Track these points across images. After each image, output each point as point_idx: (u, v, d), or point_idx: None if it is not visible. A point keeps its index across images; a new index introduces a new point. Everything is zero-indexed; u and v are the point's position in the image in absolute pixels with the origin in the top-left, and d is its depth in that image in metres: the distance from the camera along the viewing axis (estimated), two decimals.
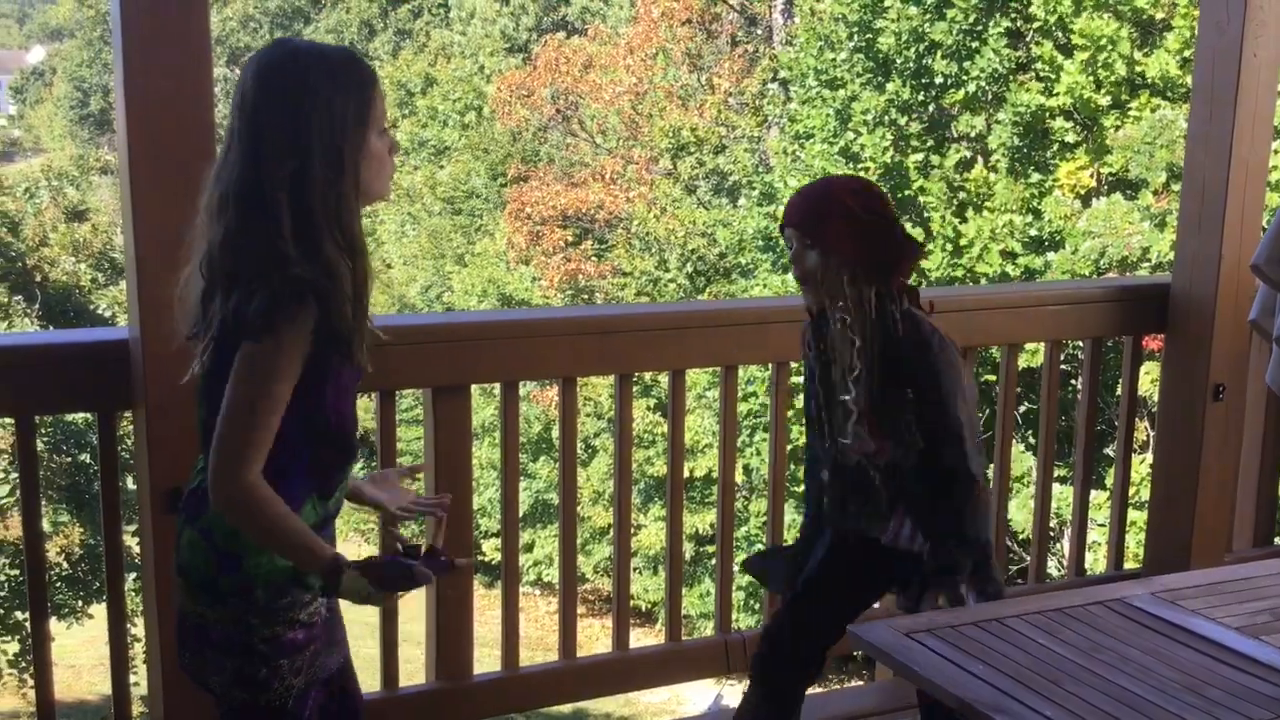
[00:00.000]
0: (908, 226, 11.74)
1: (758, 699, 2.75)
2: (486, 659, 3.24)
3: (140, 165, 2.50)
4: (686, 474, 10.19)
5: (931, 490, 2.47)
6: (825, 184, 2.60)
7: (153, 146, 2.50)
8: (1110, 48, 11.79)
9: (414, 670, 3.23)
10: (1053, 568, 9.38)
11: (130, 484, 6.19)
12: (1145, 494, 8.08)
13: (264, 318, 1.83)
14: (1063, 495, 8.45)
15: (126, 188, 2.52)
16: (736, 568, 3.17)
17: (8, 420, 7.99)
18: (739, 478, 12.68)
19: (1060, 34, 12.43)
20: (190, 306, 1.99)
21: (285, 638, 1.98)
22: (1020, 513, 10.35)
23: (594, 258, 17.83)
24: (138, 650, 4.22)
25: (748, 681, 2.83)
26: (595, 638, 13.82)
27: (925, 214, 12.75)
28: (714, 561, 14.92)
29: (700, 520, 13.66)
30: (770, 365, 3.50)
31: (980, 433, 2.60)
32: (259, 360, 1.86)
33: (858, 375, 2.44)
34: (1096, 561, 9.25)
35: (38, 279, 13.41)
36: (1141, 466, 8.85)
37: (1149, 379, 8.60)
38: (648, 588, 14.03)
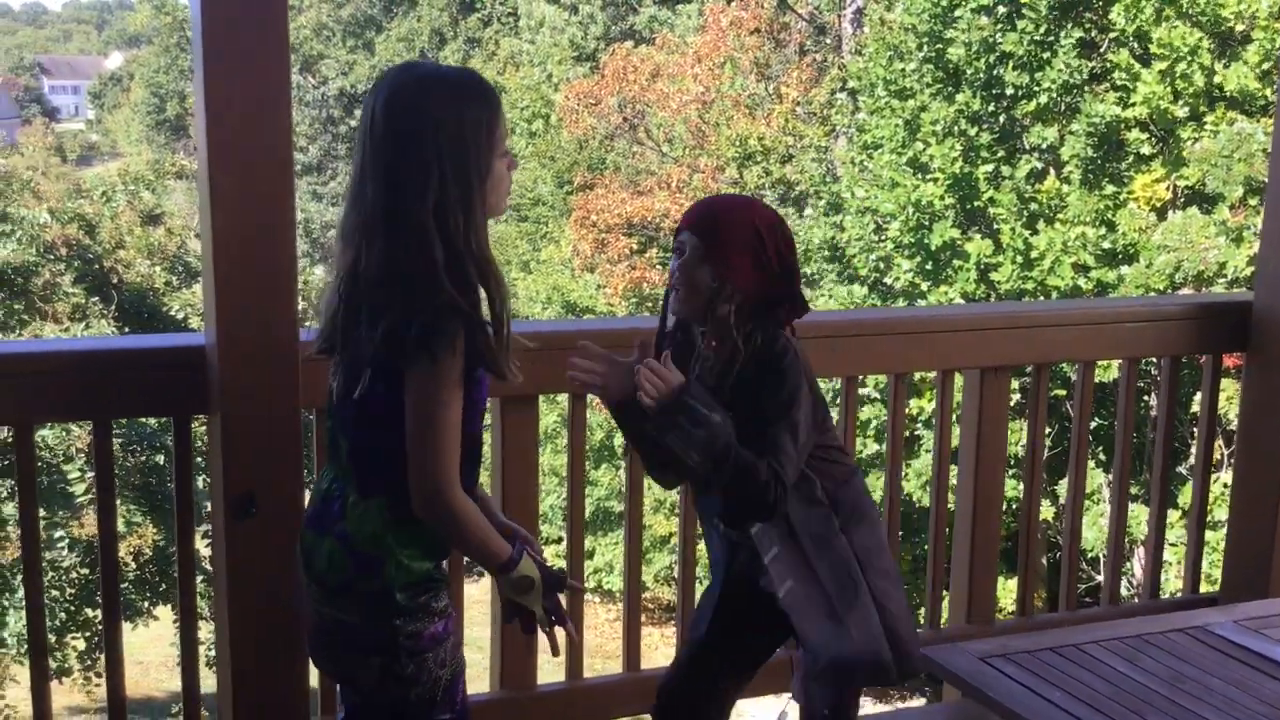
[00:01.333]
0: (976, 238, 11.53)
1: None
2: (547, 665, 3.22)
3: (219, 173, 2.52)
4: None
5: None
6: (746, 205, 2.44)
7: (231, 154, 2.52)
8: (1190, 58, 11.59)
9: (474, 675, 3.23)
10: (1120, 587, 9.21)
11: (201, 486, 6.26)
12: (1218, 514, 7.92)
13: (425, 345, 1.90)
14: (1132, 514, 8.30)
15: (205, 196, 2.55)
16: None
17: (86, 422, 8.07)
18: None
19: (1137, 44, 12.24)
20: (324, 324, 2.07)
21: (426, 632, 2.08)
22: (1090, 530, 10.18)
23: (658, 266, 17.82)
24: (200, 652, 4.26)
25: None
26: (655, 646, 13.79)
27: (995, 225, 12.61)
28: None
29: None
30: (839, 379, 3.46)
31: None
32: (429, 384, 1.94)
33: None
34: (1167, 581, 9.08)
35: (114, 281, 13.64)
36: (1214, 486, 8.67)
37: (1223, 396, 8.42)
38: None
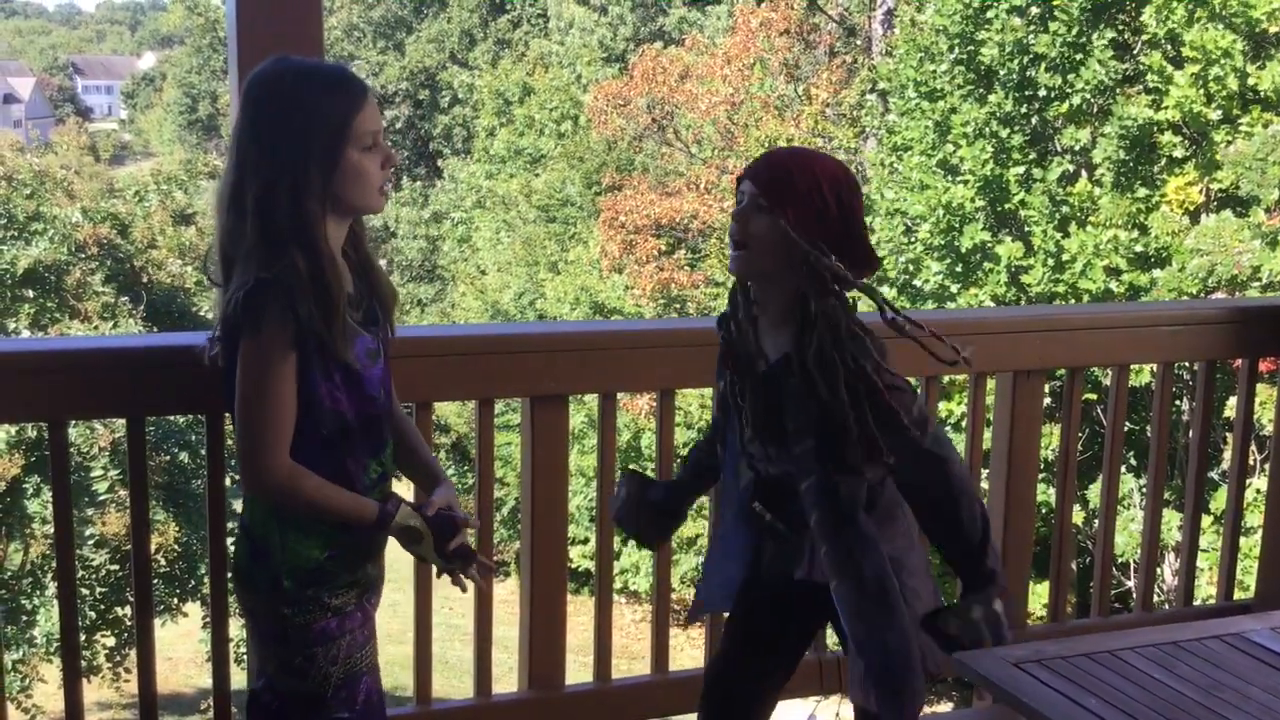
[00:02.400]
0: (1007, 240, 11.45)
1: None
2: (572, 664, 3.22)
3: None
4: None
5: (928, 508, 2.19)
6: (808, 154, 2.25)
7: None
8: (1223, 60, 11.48)
9: (499, 674, 3.23)
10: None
11: (229, 484, 6.28)
12: (1249, 520, 7.84)
13: (247, 314, 1.96)
14: (1162, 519, 8.23)
15: None
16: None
17: (110, 419, 8.11)
18: None
19: (1169, 46, 12.14)
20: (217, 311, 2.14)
21: (316, 625, 2.09)
22: (1119, 535, 10.11)
23: (687, 267, 17.81)
24: (228, 649, 4.28)
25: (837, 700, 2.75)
26: (680, 648, 13.79)
27: (1026, 228, 12.53)
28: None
29: None
30: None
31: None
32: (251, 355, 1.99)
33: (786, 368, 2.15)
34: (1198, 588, 8.99)
35: (144, 280, 13.75)
36: (1246, 491, 8.58)
37: (1255, 401, 8.32)
38: None
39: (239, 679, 3.38)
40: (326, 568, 2.09)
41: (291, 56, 2.12)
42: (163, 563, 11.37)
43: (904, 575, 2.20)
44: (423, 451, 2.34)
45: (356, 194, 2.06)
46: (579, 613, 10.10)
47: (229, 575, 2.24)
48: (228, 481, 2.91)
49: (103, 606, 11.07)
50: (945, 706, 12.47)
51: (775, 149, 2.36)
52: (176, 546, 11.44)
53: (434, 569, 2.24)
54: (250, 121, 2.02)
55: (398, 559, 2.38)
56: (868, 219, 13.80)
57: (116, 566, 10.91)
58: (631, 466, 2.76)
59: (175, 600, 11.68)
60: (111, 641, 11.36)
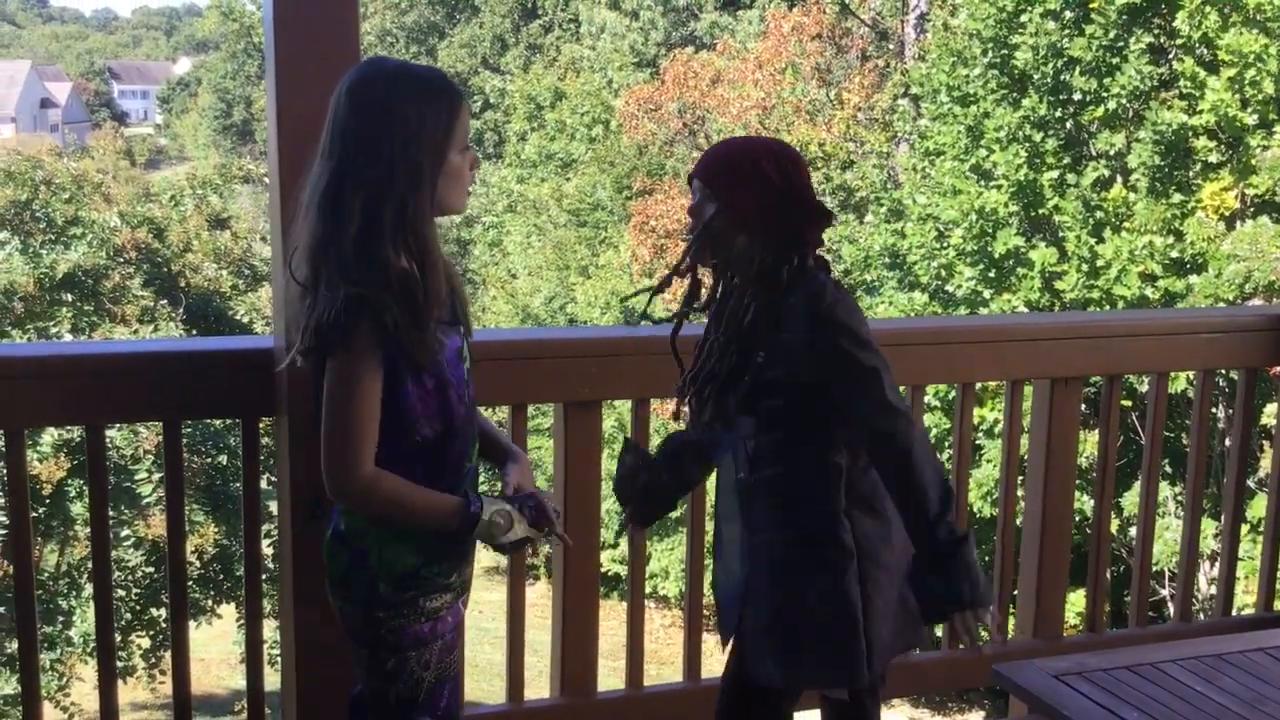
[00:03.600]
0: (1041, 246, 11.32)
1: None
2: (602, 669, 3.21)
3: (290, 179, 2.53)
4: None
5: (887, 480, 2.24)
6: (746, 140, 2.49)
7: (303, 160, 2.52)
8: (1259, 65, 11.35)
9: (531, 677, 3.23)
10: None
11: (267, 486, 6.33)
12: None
13: (338, 331, 1.96)
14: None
15: (276, 199, 2.56)
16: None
17: (153, 422, 8.16)
18: None
19: (1204, 50, 12.02)
20: (293, 311, 2.12)
21: (409, 629, 2.10)
22: (1155, 544, 10.01)
23: None
24: (263, 650, 4.30)
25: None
26: (710, 653, 13.73)
27: (1060, 233, 12.44)
28: None
29: None
30: (905, 388, 3.41)
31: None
32: (340, 371, 1.99)
33: (724, 343, 2.31)
34: (1235, 597, 8.89)
35: (181, 284, 13.85)
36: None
37: None
38: None
39: (272, 680, 3.40)
40: (422, 573, 2.11)
41: (387, 59, 2.14)
42: (199, 564, 11.46)
43: (866, 563, 2.26)
44: (490, 428, 2.35)
45: (453, 196, 2.09)
46: (608, 617, 10.06)
47: (326, 583, 2.19)
48: (264, 484, 2.92)
49: (138, 608, 11.16)
50: (976, 715, 12.39)
51: (717, 144, 2.47)
52: (213, 548, 11.52)
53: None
54: (353, 126, 2.02)
55: None
56: (900, 224, 13.84)
57: (153, 569, 11.00)
58: (635, 440, 2.76)
59: (210, 602, 11.76)
60: (147, 643, 11.45)
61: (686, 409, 2.49)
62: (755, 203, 2.28)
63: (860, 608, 2.25)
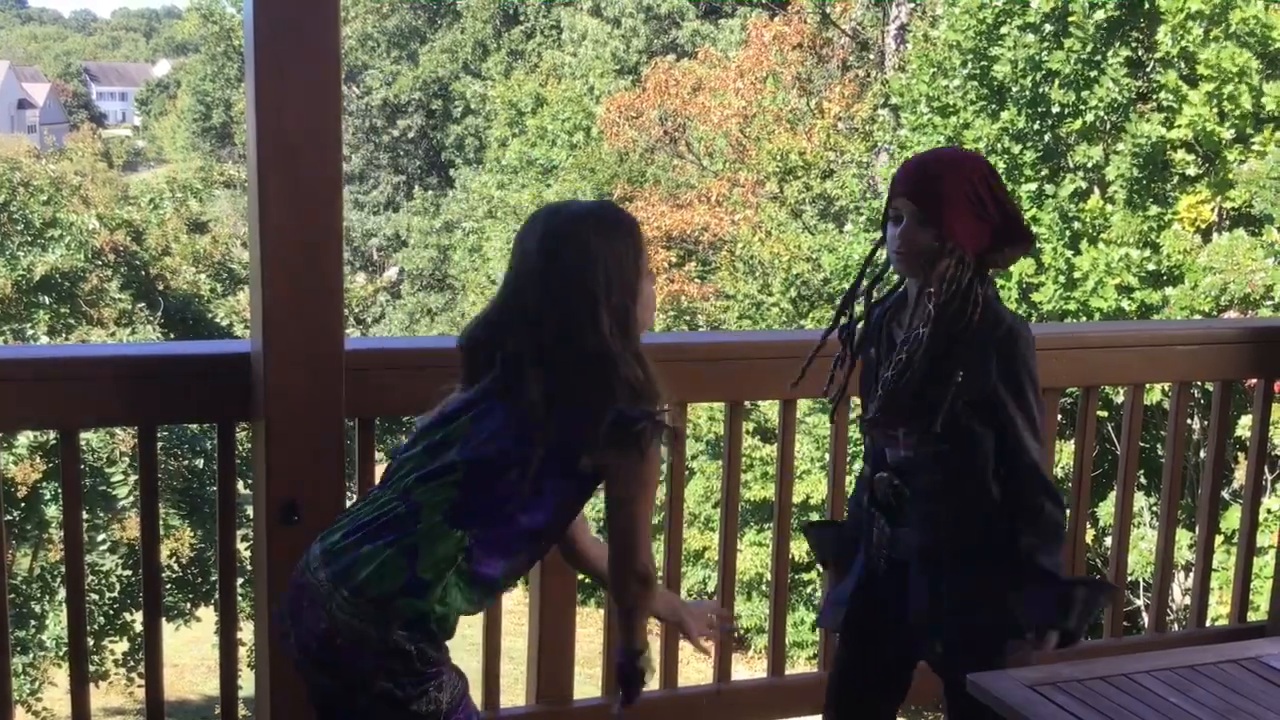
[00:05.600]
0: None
1: None
2: (578, 677, 3.20)
3: (269, 184, 2.53)
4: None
5: (1010, 513, 2.34)
6: (955, 159, 2.45)
7: (282, 165, 2.53)
8: (1238, 79, 11.45)
9: (507, 685, 3.23)
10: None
11: (243, 489, 6.30)
12: (1261, 540, 7.80)
13: (639, 436, 2.09)
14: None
15: (255, 203, 2.56)
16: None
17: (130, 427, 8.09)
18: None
19: (1184, 64, 12.12)
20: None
21: (430, 670, 2.11)
22: (1129, 555, 10.07)
23: (697, 279, 17.81)
24: (240, 654, 4.28)
25: None
26: (687, 661, 13.73)
27: (1038, 245, 12.51)
28: (809, 589, 14.62)
29: (795, 547, 13.53)
30: None
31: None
32: (641, 472, 2.15)
33: (914, 358, 2.35)
34: (1210, 608, 8.94)
35: (160, 287, 13.79)
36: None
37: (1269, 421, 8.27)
38: (741, 613, 13.91)
39: (247, 685, 3.38)
40: (454, 629, 2.15)
41: (568, 203, 2.33)
42: (175, 568, 11.39)
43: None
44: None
45: (649, 319, 2.24)
46: (585, 624, 10.05)
47: (346, 595, 2.13)
48: (241, 487, 2.91)
49: (112, 612, 11.09)
50: None
51: (920, 158, 2.49)
52: (189, 552, 11.46)
53: None
54: (557, 271, 2.12)
55: None
56: (877, 234, 13.89)
57: (129, 572, 10.93)
58: (805, 523, 2.94)
59: (188, 605, 11.69)
60: (124, 647, 11.37)
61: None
62: (969, 228, 2.32)
63: None
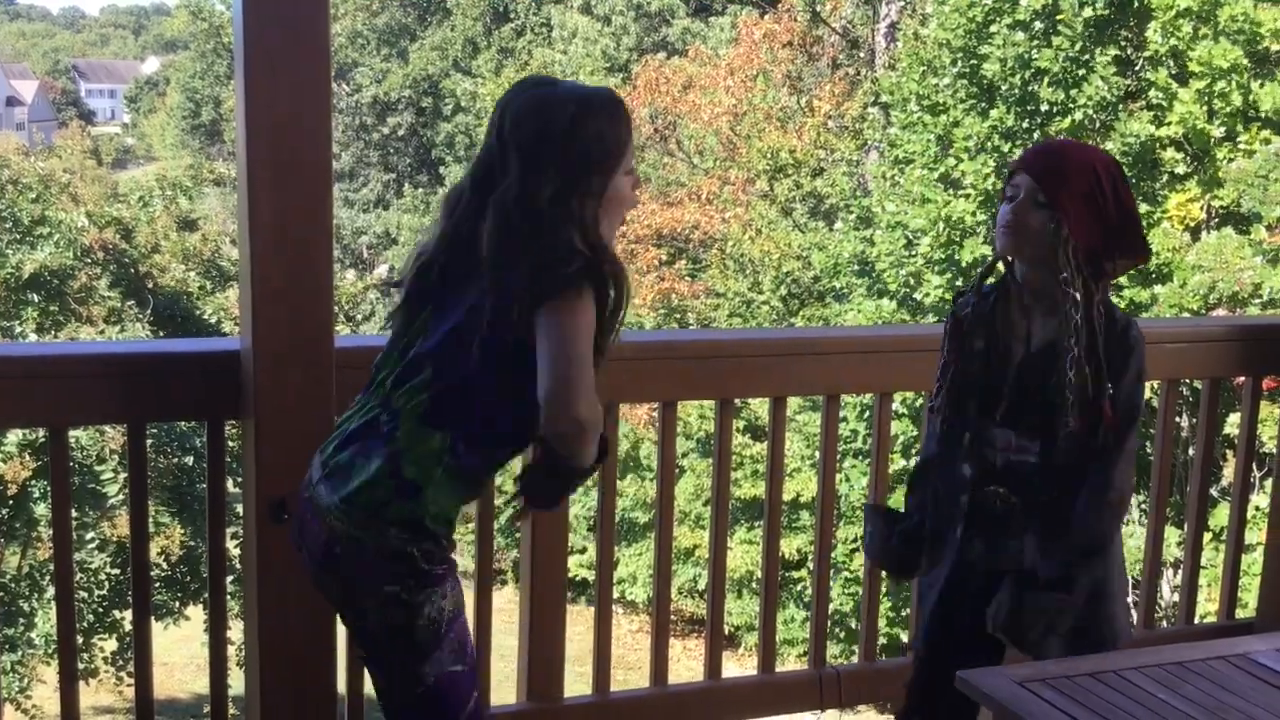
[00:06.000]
0: None
1: None
2: (569, 675, 3.21)
3: (259, 181, 2.52)
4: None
5: (1085, 502, 2.33)
6: (1085, 151, 2.42)
7: (271, 163, 2.53)
8: (1229, 77, 11.48)
9: (497, 682, 3.23)
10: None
11: (233, 488, 6.29)
12: (1249, 537, 7.83)
13: (565, 279, 2.01)
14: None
15: (244, 201, 2.55)
16: (843, 580, 3.14)
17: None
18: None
19: (1173, 62, 12.14)
20: (414, 272, 2.20)
21: (438, 570, 2.15)
22: None
23: (687, 277, 17.82)
24: (230, 652, 4.28)
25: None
26: (677, 658, 13.75)
27: None
28: (798, 587, 14.62)
29: (786, 544, 13.55)
30: (874, 396, 3.43)
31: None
32: (566, 310, 2.02)
33: (1075, 357, 2.28)
34: (1198, 605, 8.96)
35: (149, 285, 13.75)
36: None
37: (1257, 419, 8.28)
38: (732, 611, 13.93)
39: (237, 683, 3.37)
40: (453, 520, 2.18)
41: (555, 79, 2.23)
42: (165, 566, 11.36)
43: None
44: None
45: (620, 212, 2.19)
46: (575, 622, 10.03)
47: (342, 516, 2.18)
48: (231, 485, 2.91)
49: (102, 610, 11.06)
50: None
51: (1050, 143, 2.54)
52: (179, 550, 11.43)
53: None
54: (530, 140, 2.08)
55: None
56: (869, 232, 13.92)
57: (117, 570, 10.90)
58: (872, 503, 2.81)
59: (177, 604, 11.66)
60: (112, 645, 11.34)
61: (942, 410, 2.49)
62: (1083, 219, 2.27)
63: None
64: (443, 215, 2.20)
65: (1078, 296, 2.26)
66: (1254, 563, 7.72)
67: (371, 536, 2.12)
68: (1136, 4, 12.26)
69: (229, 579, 4.86)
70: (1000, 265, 2.47)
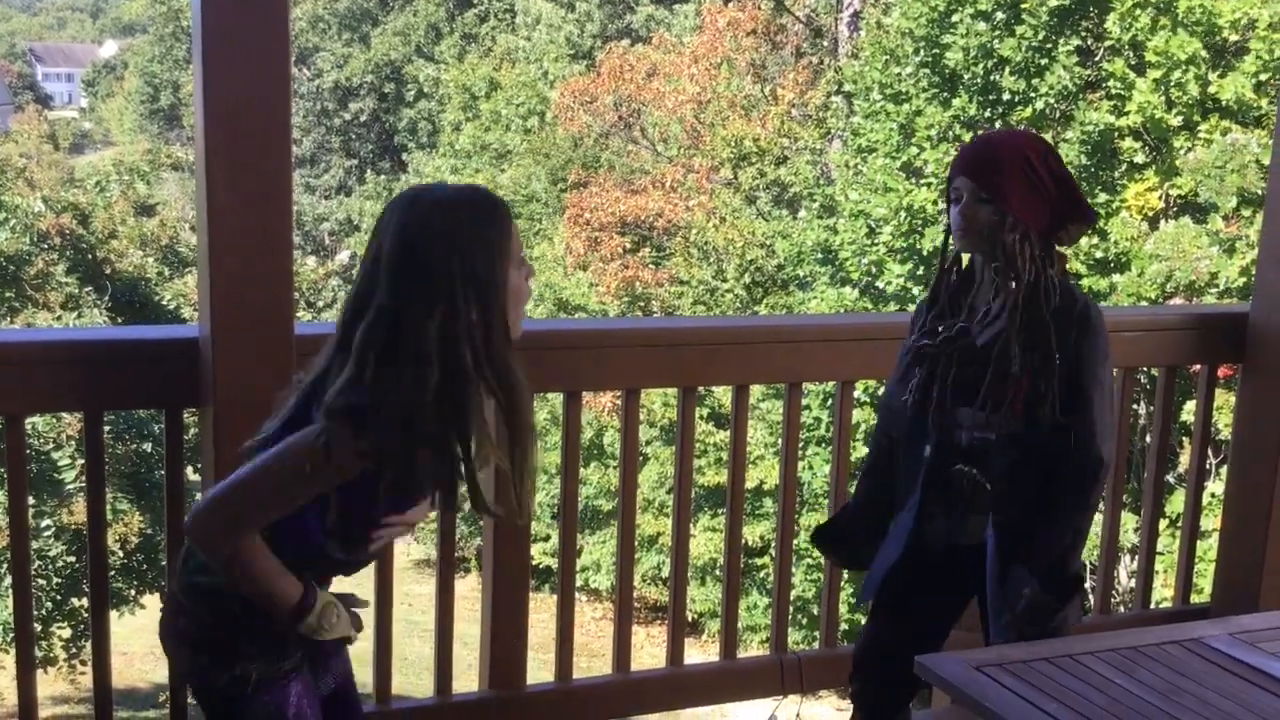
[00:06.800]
0: None
1: None
2: (533, 662, 3.21)
3: (217, 166, 2.50)
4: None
5: (1059, 484, 2.39)
6: (1011, 137, 2.51)
7: (230, 147, 2.50)
8: (1186, 68, 11.60)
9: (460, 670, 3.22)
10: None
11: (192, 475, 6.23)
12: (1204, 524, 7.93)
13: (346, 428, 1.86)
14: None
15: (203, 188, 2.53)
16: (800, 569, 3.17)
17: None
18: None
19: (1132, 53, 12.25)
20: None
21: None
22: None
23: (652, 265, 17.80)
24: None
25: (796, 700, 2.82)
26: (640, 645, 13.75)
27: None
28: (761, 574, 14.66)
29: (749, 531, 13.59)
30: (835, 383, 3.45)
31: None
32: (305, 447, 1.89)
33: (1009, 339, 2.37)
34: (1153, 590, 9.07)
35: (106, 271, 13.61)
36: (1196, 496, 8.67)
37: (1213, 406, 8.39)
38: (695, 598, 13.96)
39: None
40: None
41: (430, 185, 2.06)
42: (121, 554, 11.26)
43: None
44: None
45: (516, 313, 2.00)
46: (539, 610, 10.02)
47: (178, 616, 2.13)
48: (190, 473, 2.88)
49: (59, 597, 10.95)
50: None
51: (977, 139, 2.60)
52: (137, 537, 11.33)
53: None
54: (411, 260, 1.91)
55: None
56: (832, 221, 13.97)
57: (74, 558, 10.79)
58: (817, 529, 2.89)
59: (133, 592, 11.56)
60: (68, 633, 11.24)
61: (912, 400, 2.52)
62: (1027, 202, 2.37)
63: None
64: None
65: (1024, 280, 2.36)
66: (1209, 549, 7.84)
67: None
68: None
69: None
70: (964, 257, 2.57)
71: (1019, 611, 2.30)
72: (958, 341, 2.46)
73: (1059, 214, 2.40)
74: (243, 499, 1.94)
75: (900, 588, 2.60)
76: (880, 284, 12.98)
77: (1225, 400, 7.68)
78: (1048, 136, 12.51)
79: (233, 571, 1.95)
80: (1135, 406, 11.36)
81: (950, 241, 2.52)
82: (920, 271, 12.60)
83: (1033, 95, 12.35)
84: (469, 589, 10.59)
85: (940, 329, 2.48)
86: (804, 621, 12.56)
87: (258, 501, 1.93)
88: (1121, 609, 6.23)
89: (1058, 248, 2.44)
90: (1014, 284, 2.37)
